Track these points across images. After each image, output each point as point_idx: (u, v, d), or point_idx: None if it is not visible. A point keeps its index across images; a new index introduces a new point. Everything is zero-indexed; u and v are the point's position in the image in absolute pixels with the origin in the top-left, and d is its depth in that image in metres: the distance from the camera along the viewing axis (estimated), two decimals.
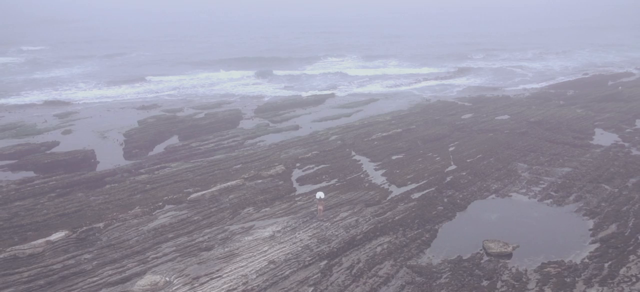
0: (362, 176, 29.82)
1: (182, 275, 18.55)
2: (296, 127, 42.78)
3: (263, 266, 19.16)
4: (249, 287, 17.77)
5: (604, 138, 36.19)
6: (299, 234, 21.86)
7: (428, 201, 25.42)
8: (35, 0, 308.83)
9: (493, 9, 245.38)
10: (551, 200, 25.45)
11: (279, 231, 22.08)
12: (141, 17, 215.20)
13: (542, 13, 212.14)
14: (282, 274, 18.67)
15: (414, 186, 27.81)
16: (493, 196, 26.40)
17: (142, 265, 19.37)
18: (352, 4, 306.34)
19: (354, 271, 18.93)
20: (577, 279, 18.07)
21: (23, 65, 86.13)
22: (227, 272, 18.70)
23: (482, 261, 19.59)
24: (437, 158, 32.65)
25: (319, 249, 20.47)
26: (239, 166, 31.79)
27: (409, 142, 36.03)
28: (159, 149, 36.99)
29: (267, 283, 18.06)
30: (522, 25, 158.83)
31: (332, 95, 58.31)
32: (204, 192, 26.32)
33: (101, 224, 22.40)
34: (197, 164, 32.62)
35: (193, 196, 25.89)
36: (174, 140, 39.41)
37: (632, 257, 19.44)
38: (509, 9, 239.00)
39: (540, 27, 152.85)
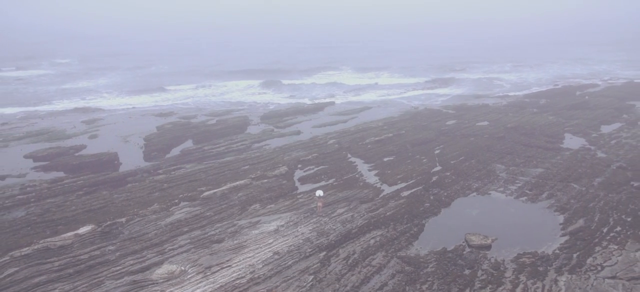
0: (357, 176, 29.83)
1: (196, 264, 18.57)
2: (298, 132, 42.78)
3: (268, 256, 19.17)
4: (256, 275, 17.78)
5: (572, 142, 36.25)
6: (300, 228, 21.87)
7: (416, 199, 25.44)
8: (67, 18, 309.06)
9: (475, 25, 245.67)
10: (526, 197, 25.48)
11: (282, 226, 22.08)
12: (159, 34, 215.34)
13: (518, 29, 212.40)
14: (285, 264, 18.69)
15: (403, 185, 27.83)
16: (474, 193, 26.42)
17: (160, 256, 19.39)
18: (348, 22, 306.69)
19: (350, 261, 18.95)
20: (549, 268, 18.12)
21: (55, 76, 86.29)
22: (236, 262, 18.72)
23: (464, 252, 19.61)
24: (424, 160, 32.67)
25: (318, 242, 20.48)
26: (246, 167, 31.79)
27: (399, 146, 36.05)
28: (175, 151, 36.99)
29: (272, 272, 18.08)
30: (499, 41, 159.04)
31: (331, 103, 58.32)
32: (215, 190, 26.32)
33: (123, 219, 22.42)
34: (209, 165, 32.63)
35: (205, 193, 25.89)
36: (188, 143, 39.40)
37: (597, 248, 19.51)
38: (488, 26, 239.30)
39: (516, 42, 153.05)
